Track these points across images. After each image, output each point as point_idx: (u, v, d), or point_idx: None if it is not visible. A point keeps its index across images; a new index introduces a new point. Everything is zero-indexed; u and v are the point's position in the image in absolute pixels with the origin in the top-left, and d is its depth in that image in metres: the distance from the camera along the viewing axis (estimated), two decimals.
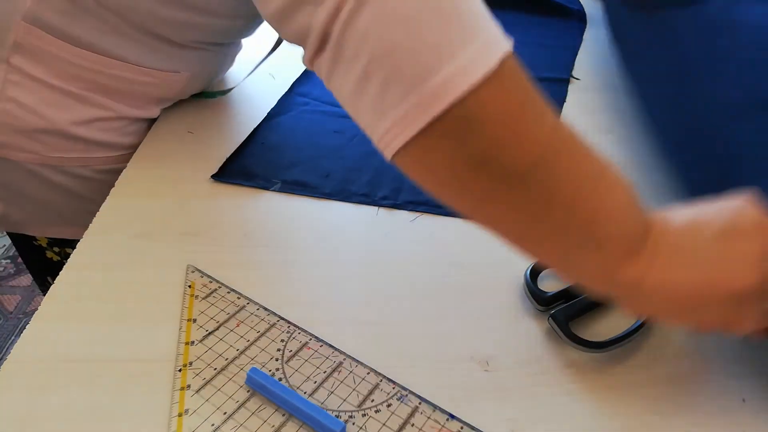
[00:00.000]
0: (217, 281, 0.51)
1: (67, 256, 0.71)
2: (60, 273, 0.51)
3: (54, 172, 0.64)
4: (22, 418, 0.40)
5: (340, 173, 0.63)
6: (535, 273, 0.51)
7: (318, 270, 0.52)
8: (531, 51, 0.91)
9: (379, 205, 0.59)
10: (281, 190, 0.61)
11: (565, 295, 0.48)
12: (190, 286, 0.50)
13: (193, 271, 0.51)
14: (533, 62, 0.84)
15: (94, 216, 0.66)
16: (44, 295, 0.74)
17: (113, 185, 0.63)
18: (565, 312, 0.47)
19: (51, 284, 0.78)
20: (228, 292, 0.50)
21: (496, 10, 0.95)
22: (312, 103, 0.75)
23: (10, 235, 0.74)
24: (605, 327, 0.48)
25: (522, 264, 0.52)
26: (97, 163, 0.65)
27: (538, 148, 0.32)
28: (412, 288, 0.51)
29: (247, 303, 0.49)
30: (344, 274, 0.52)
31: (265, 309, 0.48)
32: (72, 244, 0.70)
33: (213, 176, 0.61)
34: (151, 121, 0.69)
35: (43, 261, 0.75)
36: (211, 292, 0.50)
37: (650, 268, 0.35)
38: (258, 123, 0.70)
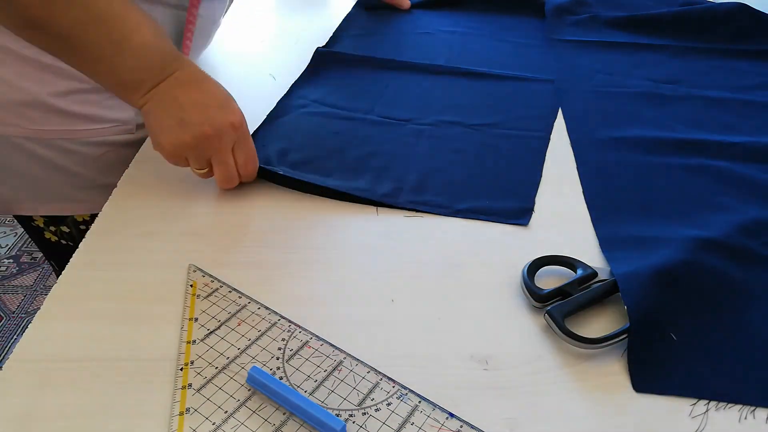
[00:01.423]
0: (219, 280, 0.51)
1: (64, 235, 0.72)
2: (62, 272, 0.51)
3: (39, 146, 0.65)
4: (24, 417, 0.40)
5: (340, 174, 0.63)
6: (532, 270, 0.51)
7: (318, 269, 0.53)
8: (524, 51, 0.91)
9: (379, 205, 0.60)
10: (283, 183, 0.61)
11: (561, 292, 0.49)
12: (191, 286, 0.50)
13: (194, 271, 0.52)
14: (528, 63, 0.84)
15: (84, 191, 0.67)
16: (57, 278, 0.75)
17: (99, 158, 0.65)
18: (561, 308, 0.47)
19: (55, 268, 0.79)
20: (229, 291, 0.50)
21: (476, 13, 0.92)
22: (311, 105, 0.75)
23: (18, 219, 0.76)
24: (601, 324, 0.48)
25: (520, 263, 0.52)
26: (80, 135, 0.66)
27: (66, 28, 0.48)
28: (411, 287, 0.51)
29: (249, 302, 0.49)
30: (344, 274, 0.52)
31: (266, 308, 0.49)
32: (65, 221, 0.71)
33: None
34: None
35: (44, 243, 0.76)
36: (213, 292, 0.50)
37: (147, 102, 0.54)
38: (258, 125, 0.71)
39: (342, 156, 0.66)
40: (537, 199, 0.62)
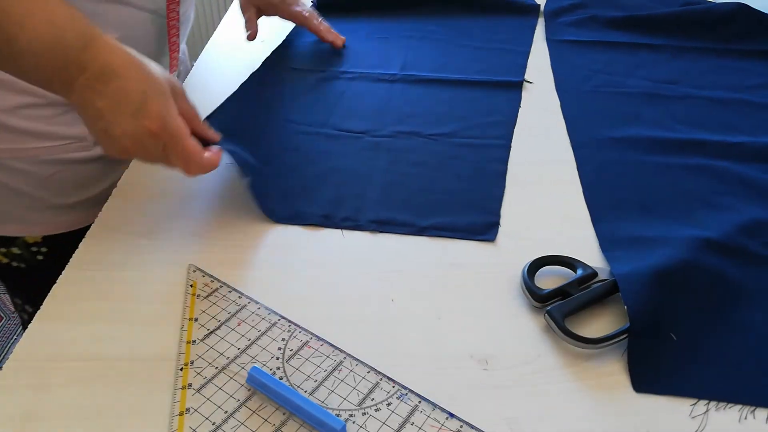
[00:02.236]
0: (219, 280, 0.51)
1: (15, 257, 0.68)
2: (62, 273, 0.51)
3: None
4: (24, 417, 0.40)
5: (297, 192, 0.61)
6: (532, 270, 0.51)
7: (319, 269, 0.53)
8: (484, 55, 0.90)
9: (341, 227, 0.57)
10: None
11: (561, 292, 0.49)
12: (191, 286, 0.50)
13: (194, 271, 0.52)
14: (488, 67, 0.82)
15: (35, 212, 0.63)
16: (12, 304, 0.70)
17: (50, 178, 0.61)
18: (560, 308, 0.47)
19: (6, 292, 0.73)
20: (229, 292, 0.50)
21: (449, 17, 0.91)
22: (264, 117, 0.73)
23: None
24: (601, 324, 0.48)
25: (520, 263, 0.52)
26: (30, 154, 0.61)
27: None
28: (411, 287, 0.51)
29: (249, 302, 0.49)
30: (345, 274, 0.52)
31: (266, 308, 0.49)
32: (15, 242, 0.66)
33: None
34: None
35: None
36: (213, 292, 0.50)
37: (76, 98, 0.48)
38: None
39: (302, 174, 0.64)
40: (537, 199, 0.62)
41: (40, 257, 0.68)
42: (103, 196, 0.60)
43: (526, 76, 0.84)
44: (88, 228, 0.55)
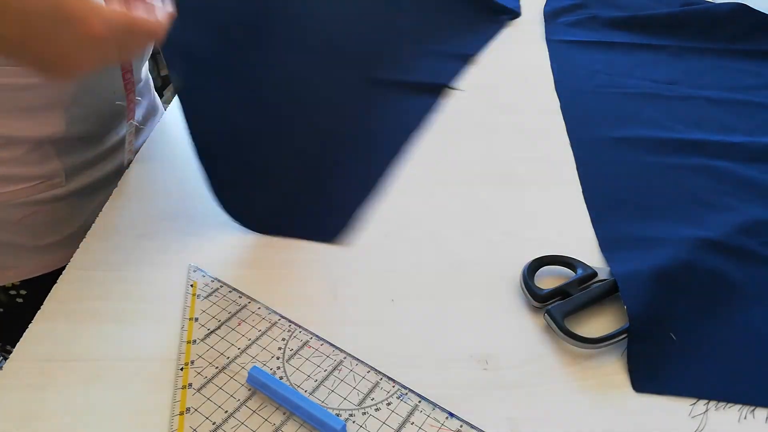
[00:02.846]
0: (219, 280, 0.51)
1: None
2: (62, 273, 0.51)
3: None
4: (24, 417, 0.40)
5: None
6: (532, 270, 0.51)
7: (318, 269, 0.53)
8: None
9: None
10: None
11: (561, 292, 0.49)
12: (192, 285, 0.50)
13: (194, 271, 0.52)
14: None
15: (10, 257, 0.59)
16: None
17: (22, 221, 0.58)
18: (560, 308, 0.47)
19: None
20: (229, 291, 0.50)
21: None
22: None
23: None
24: (600, 324, 0.48)
25: (520, 263, 0.52)
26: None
27: None
28: (411, 287, 0.51)
29: (249, 302, 0.49)
30: (344, 274, 0.52)
31: (267, 308, 0.49)
32: None
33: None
34: (61, 142, 0.59)
35: None
36: (213, 291, 0.50)
37: None
38: None
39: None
40: (537, 199, 0.62)
41: (19, 300, 0.65)
42: (80, 233, 0.55)
43: (526, 76, 0.84)
44: (64, 268, 0.52)
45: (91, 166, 0.64)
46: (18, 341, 0.45)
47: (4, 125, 0.54)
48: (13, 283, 0.63)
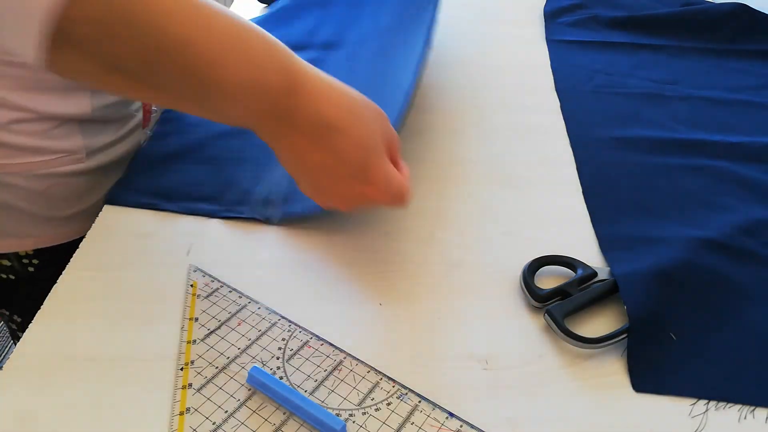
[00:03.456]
0: (219, 280, 0.51)
1: (4, 269, 0.66)
2: (62, 273, 0.51)
3: None
4: (24, 417, 0.40)
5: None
6: (532, 270, 0.51)
7: (318, 269, 0.53)
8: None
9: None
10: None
11: (561, 292, 0.49)
12: (192, 285, 0.50)
13: (194, 271, 0.52)
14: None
15: (29, 226, 0.62)
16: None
17: (44, 192, 0.61)
18: (560, 308, 0.47)
19: None
20: (229, 291, 0.50)
21: None
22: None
23: None
24: (600, 324, 0.48)
25: (520, 263, 0.52)
26: (22, 169, 0.61)
27: (146, 51, 0.37)
28: (411, 287, 0.51)
29: (249, 302, 0.49)
30: (344, 273, 0.52)
31: (267, 308, 0.49)
32: (6, 254, 0.65)
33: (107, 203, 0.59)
34: (86, 123, 0.63)
35: None
36: (213, 291, 0.50)
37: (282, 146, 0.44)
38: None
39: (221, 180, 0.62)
40: (537, 199, 0.62)
41: (30, 269, 0.68)
42: (96, 207, 0.59)
43: (526, 76, 0.84)
44: (80, 239, 0.55)
45: (110, 147, 0.67)
46: (25, 311, 0.46)
47: (38, 101, 0.59)
48: (27, 252, 0.66)
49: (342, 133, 0.43)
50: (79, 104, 0.61)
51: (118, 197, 0.59)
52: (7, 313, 0.74)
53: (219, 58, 0.39)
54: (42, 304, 0.48)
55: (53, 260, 0.64)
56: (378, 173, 0.45)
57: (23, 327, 0.73)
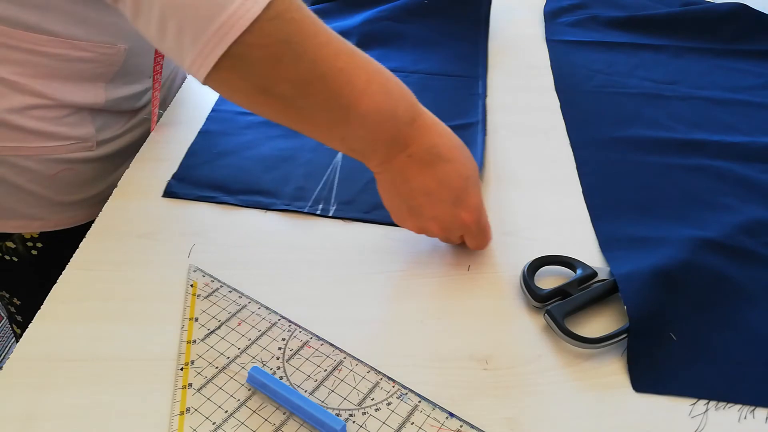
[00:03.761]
0: (219, 280, 0.51)
1: (9, 251, 0.68)
2: (62, 273, 0.51)
3: None
4: (24, 417, 0.40)
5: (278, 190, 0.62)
6: (532, 270, 0.51)
7: (319, 269, 0.53)
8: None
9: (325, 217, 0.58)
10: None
11: (561, 292, 0.49)
12: (192, 285, 0.50)
13: (194, 271, 0.52)
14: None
15: (37, 208, 0.65)
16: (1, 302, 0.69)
17: (54, 177, 0.63)
18: (560, 308, 0.47)
19: None
20: (229, 291, 0.50)
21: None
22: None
23: None
24: (600, 324, 0.48)
25: (520, 263, 0.52)
26: (34, 152, 0.63)
27: (303, 77, 0.43)
28: (411, 287, 0.51)
29: (249, 302, 0.49)
30: (344, 274, 0.52)
31: (267, 308, 0.49)
32: (10, 236, 0.67)
33: (164, 195, 0.60)
34: (98, 112, 0.66)
35: None
36: (213, 291, 0.50)
37: (387, 170, 0.49)
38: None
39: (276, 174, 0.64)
40: (537, 199, 0.62)
41: (34, 252, 0.69)
42: (104, 194, 0.61)
43: (526, 76, 0.84)
44: (86, 226, 0.56)
45: (119, 137, 0.70)
46: (24, 294, 0.47)
47: (55, 89, 0.61)
48: (33, 234, 0.68)
49: (449, 162, 0.49)
50: (93, 94, 0.64)
51: (176, 191, 0.60)
52: (7, 295, 0.76)
53: (366, 87, 0.45)
54: (42, 288, 0.48)
55: (57, 245, 0.68)
56: (475, 200, 0.50)
57: (22, 310, 0.75)
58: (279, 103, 0.45)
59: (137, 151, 0.66)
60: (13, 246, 0.68)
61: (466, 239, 0.53)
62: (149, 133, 0.70)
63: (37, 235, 0.68)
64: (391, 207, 0.52)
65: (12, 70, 0.58)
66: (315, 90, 0.44)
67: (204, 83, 0.43)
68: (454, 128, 0.71)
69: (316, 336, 0.46)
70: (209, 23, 0.40)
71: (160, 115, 0.73)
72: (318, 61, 0.43)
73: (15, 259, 0.70)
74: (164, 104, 0.76)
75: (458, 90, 0.80)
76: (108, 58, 0.63)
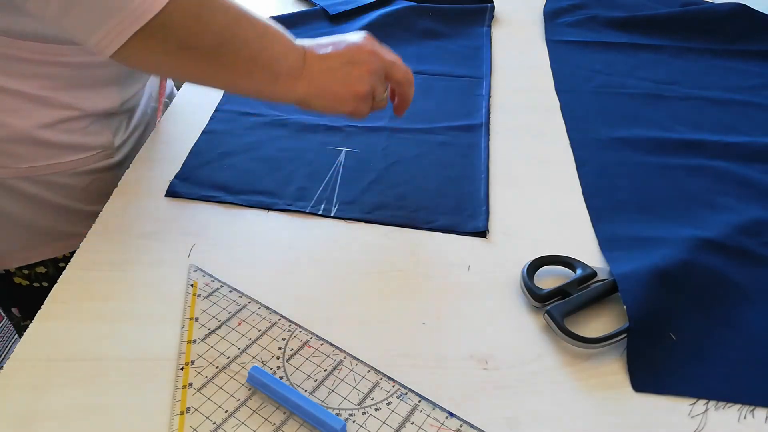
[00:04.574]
0: (219, 280, 0.51)
1: (38, 277, 0.68)
2: (62, 273, 0.51)
3: (28, 185, 0.62)
4: (24, 417, 0.40)
5: (280, 190, 0.62)
6: (532, 270, 0.51)
7: (320, 269, 0.53)
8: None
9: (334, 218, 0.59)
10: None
11: (561, 292, 0.49)
12: (192, 285, 0.50)
13: (195, 271, 0.52)
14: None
15: (74, 224, 0.64)
16: (18, 336, 0.66)
17: (86, 188, 0.64)
18: (560, 308, 0.47)
19: (18, 317, 0.73)
20: (230, 291, 0.50)
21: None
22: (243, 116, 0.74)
23: None
24: (600, 323, 0.48)
25: (520, 263, 0.52)
26: (68, 167, 0.63)
27: (219, 35, 0.49)
28: (411, 287, 0.51)
29: (249, 302, 0.49)
30: (344, 274, 0.52)
31: (267, 308, 0.49)
32: (42, 261, 0.67)
33: (167, 195, 0.60)
34: (113, 117, 0.67)
35: (10, 289, 0.70)
36: (213, 291, 0.50)
37: (309, 85, 0.55)
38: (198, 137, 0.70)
39: (279, 173, 0.64)
40: (537, 199, 0.62)
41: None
42: None
43: (526, 76, 0.84)
44: None
45: (129, 140, 0.72)
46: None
47: (79, 98, 0.62)
48: (64, 255, 0.68)
49: (327, 47, 0.56)
50: (110, 99, 0.65)
51: (179, 190, 0.61)
52: (19, 316, 0.75)
53: (269, 32, 0.53)
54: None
55: None
56: (363, 50, 0.56)
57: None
58: (199, 59, 0.50)
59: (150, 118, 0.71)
60: (44, 270, 0.68)
61: (393, 79, 0.58)
62: (150, 132, 0.71)
63: (69, 255, 0.67)
64: (337, 99, 0.56)
65: (41, 84, 0.58)
66: (238, 29, 0.50)
67: (110, 57, 0.47)
68: (458, 129, 0.71)
69: (317, 336, 0.46)
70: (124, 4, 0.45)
71: (166, 105, 0.74)
72: (231, 13, 0.50)
73: (45, 284, 0.69)
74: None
75: (462, 91, 0.80)
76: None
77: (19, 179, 0.61)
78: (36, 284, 0.69)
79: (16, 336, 1.53)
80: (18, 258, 0.67)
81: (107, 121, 0.67)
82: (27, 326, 0.55)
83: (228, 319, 0.48)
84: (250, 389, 0.42)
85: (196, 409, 0.41)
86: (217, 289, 0.50)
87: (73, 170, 0.64)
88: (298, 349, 0.45)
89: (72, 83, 0.61)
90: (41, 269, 0.68)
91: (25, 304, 0.73)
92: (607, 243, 0.56)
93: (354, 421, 0.41)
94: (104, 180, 0.67)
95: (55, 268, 0.69)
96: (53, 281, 0.65)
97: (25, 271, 0.68)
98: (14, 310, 0.75)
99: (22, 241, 0.66)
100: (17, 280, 0.69)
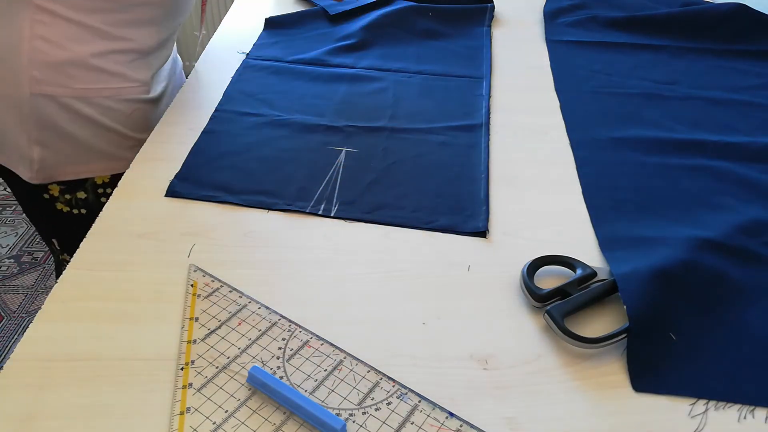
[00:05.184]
0: (219, 280, 0.51)
1: (78, 203, 0.76)
2: (63, 273, 0.51)
3: (83, 104, 0.70)
4: (24, 417, 0.40)
5: (280, 189, 0.62)
6: (532, 270, 0.51)
7: (320, 269, 0.53)
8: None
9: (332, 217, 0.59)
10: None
11: (561, 292, 0.49)
12: (192, 285, 0.50)
13: (195, 271, 0.52)
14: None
15: (121, 148, 0.72)
16: (54, 258, 0.75)
17: (131, 115, 0.74)
18: (560, 308, 0.47)
19: (57, 249, 0.81)
20: (230, 291, 0.50)
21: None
22: (247, 116, 0.74)
23: (17, 194, 0.79)
24: (600, 323, 0.48)
25: (520, 263, 0.52)
26: (116, 93, 0.73)
27: None
28: (411, 287, 0.51)
29: (249, 302, 0.49)
30: (345, 273, 0.52)
31: (267, 308, 0.49)
32: (83, 186, 0.75)
33: (167, 195, 0.60)
34: (149, 57, 0.75)
35: (52, 217, 0.78)
36: (213, 291, 0.50)
37: None
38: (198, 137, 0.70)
39: (280, 172, 0.64)
40: (537, 199, 0.62)
41: (103, 200, 0.77)
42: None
43: (526, 76, 0.84)
44: None
45: (161, 83, 0.80)
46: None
47: (127, 34, 0.71)
48: (104, 180, 0.77)
49: None
50: (150, 37, 0.74)
51: (179, 190, 0.61)
52: (58, 249, 0.83)
53: None
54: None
55: None
56: None
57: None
58: None
59: (169, 95, 0.79)
60: (84, 196, 0.76)
61: None
62: (176, 77, 0.85)
63: (108, 180, 0.76)
64: None
65: (100, 18, 0.68)
66: None
67: None
68: (458, 129, 0.71)
69: (317, 336, 0.46)
70: None
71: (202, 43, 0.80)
72: None
73: (84, 211, 0.77)
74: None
75: (462, 91, 0.80)
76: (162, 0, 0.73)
77: (74, 99, 0.70)
78: (75, 211, 0.78)
79: (16, 336, 1.54)
80: (69, 172, 0.75)
81: (146, 60, 0.75)
82: (65, 261, 0.60)
83: (228, 319, 0.48)
84: (250, 389, 0.42)
85: (196, 409, 0.41)
86: (217, 289, 0.50)
87: (118, 96, 0.73)
88: (298, 349, 0.45)
89: (123, 20, 0.70)
90: (81, 194, 0.76)
91: (64, 235, 0.81)
92: (607, 243, 0.56)
93: (354, 421, 0.41)
94: (144, 111, 0.76)
95: (94, 194, 0.77)
96: (91, 209, 0.77)
97: (67, 196, 0.76)
98: (54, 242, 0.83)
99: (75, 156, 0.74)
100: (59, 206, 0.77)
